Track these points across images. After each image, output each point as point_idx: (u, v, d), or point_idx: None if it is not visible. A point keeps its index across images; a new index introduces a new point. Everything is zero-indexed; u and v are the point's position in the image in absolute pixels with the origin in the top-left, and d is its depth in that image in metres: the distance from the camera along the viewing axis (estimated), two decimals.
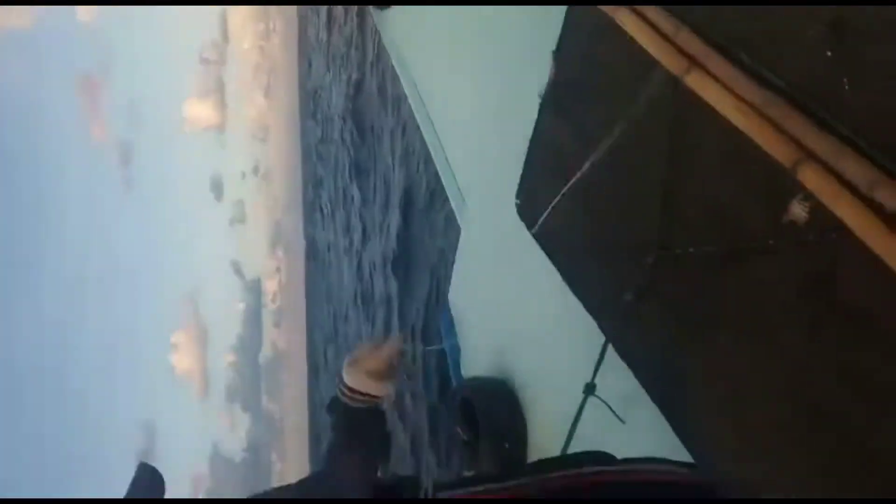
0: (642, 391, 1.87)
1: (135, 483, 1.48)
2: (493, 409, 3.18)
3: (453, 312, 4.34)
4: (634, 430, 1.86)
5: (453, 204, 4.63)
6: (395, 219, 10.23)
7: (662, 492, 1.64)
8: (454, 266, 4.34)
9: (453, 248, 4.31)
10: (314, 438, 25.18)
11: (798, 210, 1.41)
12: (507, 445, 3.01)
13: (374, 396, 1.54)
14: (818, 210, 1.35)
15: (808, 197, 1.37)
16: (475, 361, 3.80)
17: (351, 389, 1.52)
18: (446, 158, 4.47)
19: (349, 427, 1.54)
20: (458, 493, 1.58)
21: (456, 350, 4.09)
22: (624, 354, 1.89)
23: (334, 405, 1.56)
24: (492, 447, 3.09)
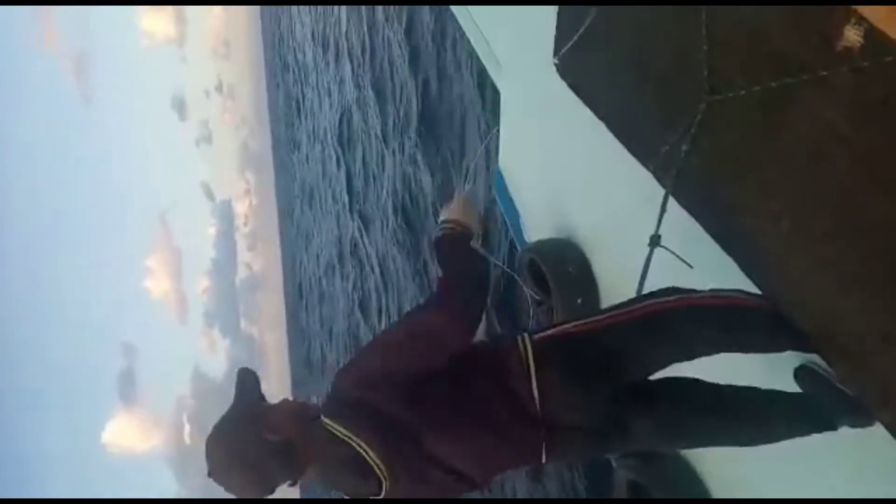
0: (705, 235, 1.92)
1: (240, 383, 1.65)
2: (561, 268, 3.27)
3: (506, 178, 4.37)
4: (702, 273, 1.92)
5: (488, 68, 4.53)
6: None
7: (743, 314, 1.74)
8: (500, 131, 4.31)
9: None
10: (294, 358, 25.41)
11: (852, 35, 1.38)
12: (579, 301, 3.12)
13: (464, 226, 1.73)
14: (872, 34, 1.32)
15: (862, 21, 1.33)
16: (536, 224, 3.86)
17: (445, 221, 1.73)
18: (475, 21, 4.33)
19: (451, 251, 1.71)
20: (550, 332, 1.72)
21: (515, 216, 4.15)
22: (686, 204, 1.92)
23: (437, 243, 1.74)
24: (565, 303, 3.21)
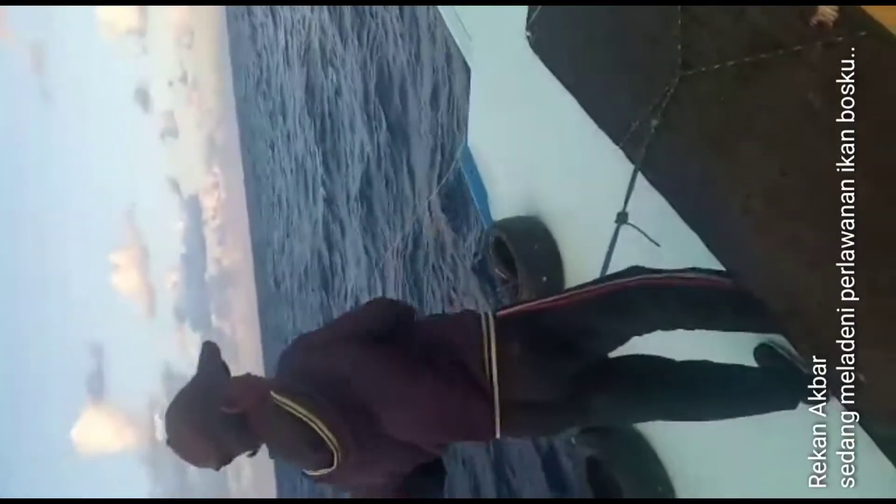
0: (672, 213, 1.91)
1: (202, 356, 1.66)
2: (526, 246, 3.24)
3: (475, 155, 4.32)
4: (669, 251, 1.91)
5: (459, 43, 4.46)
6: None
7: (707, 294, 1.73)
8: (469, 110, 4.26)
9: None
10: (268, 352, 25.30)
11: (826, 10, 1.36)
12: (545, 279, 3.11)
13: None
14: (847, 8, 1.30)
15: None
16: (503, 203, 3.83)
17: None
18: None
19: None
20: (513, 309, 1.71)
21: (482, 193, 4.11)
22: (654, 180, 1.90)
23: None
24: (531, 282, 3.19)
